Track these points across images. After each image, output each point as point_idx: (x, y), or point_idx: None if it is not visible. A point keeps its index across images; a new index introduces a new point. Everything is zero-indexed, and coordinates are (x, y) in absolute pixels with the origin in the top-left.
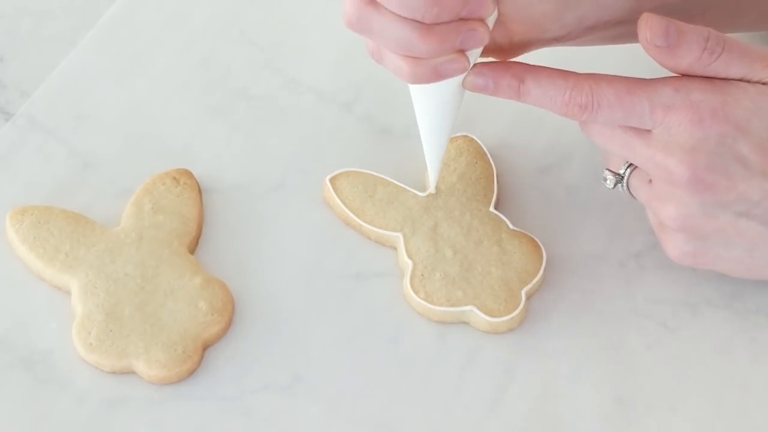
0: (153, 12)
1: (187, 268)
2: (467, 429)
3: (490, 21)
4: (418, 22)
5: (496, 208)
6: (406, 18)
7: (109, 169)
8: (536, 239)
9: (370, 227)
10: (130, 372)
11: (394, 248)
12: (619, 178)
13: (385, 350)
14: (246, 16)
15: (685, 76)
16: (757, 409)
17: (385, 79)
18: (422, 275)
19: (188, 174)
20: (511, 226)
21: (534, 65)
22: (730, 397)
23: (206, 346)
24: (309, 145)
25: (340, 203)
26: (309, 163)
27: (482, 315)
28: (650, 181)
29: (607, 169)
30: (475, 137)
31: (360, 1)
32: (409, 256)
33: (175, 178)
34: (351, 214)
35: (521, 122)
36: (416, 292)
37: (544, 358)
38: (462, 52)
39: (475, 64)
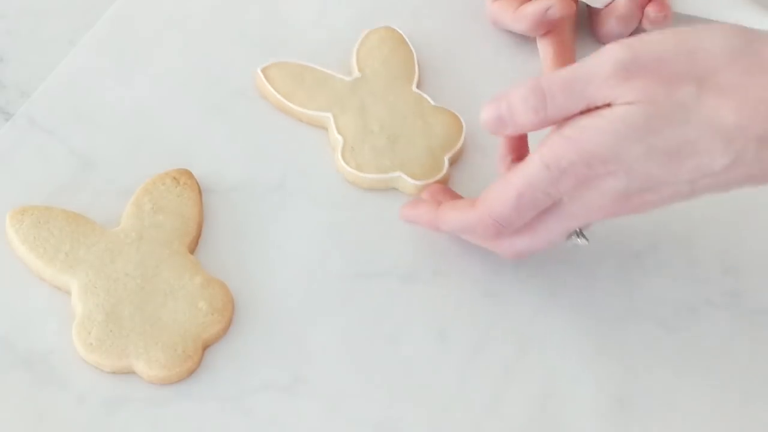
0: (153, 12)
1: (187, 268)
2: (467, 429)
3: None
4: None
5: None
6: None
7: (109, 169)
8: (456, 113)
9: (302, 110)
10: (130, 372)
11: (325, 128)
12: (577, 233)
13: (385, 350)
14: (246, 16)
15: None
16: (757, 409)
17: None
18: (352, 148)
19: (188, 174)
20: (432, 103)
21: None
22: (730, 397)
23: (206, 346)
24: (310, 145)
25: (272, 91)
26: (309, 163)
27: (408, 179)
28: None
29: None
30: (396, 27)
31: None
32: (339, 133)
33: (175, 178)
34: (283, 100)
35: None
36: (347, 163)
37: (544, 358)
38: None
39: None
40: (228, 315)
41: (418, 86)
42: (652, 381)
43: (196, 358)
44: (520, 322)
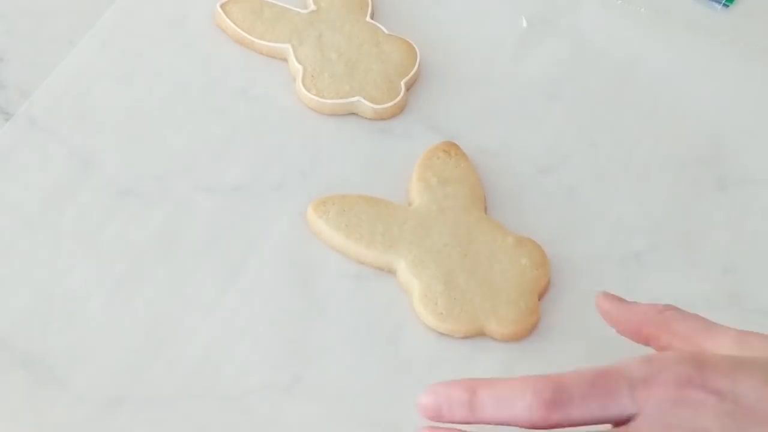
0: (153, 12)
1: (496, 230)
2: (467, 429)
3: None
4: None
5: None
6: None
7: (109, 169)
8: (410, 41)
9: (261, 42)
10: (481, 335)
11: (285, 59)
12: None
13: (385, 350)
14: None
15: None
16: None
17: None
18: (312, 76)
19: (455, 145)
20: (386, 32)
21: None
22: None
23: (540, 299)
24: (309, 146)
25: (232, 24)
26: (309, 163)
27: (368, 103)
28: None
29: None
30: None
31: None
32: (299, 62)
33: (445, 151)
34: (243, 33)
35: (521, 122)
36: (308, 90)
37: (544, 358)
38: None
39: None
40: (548, 269)
41: (372, 17)
42: None
43: (538, 310)
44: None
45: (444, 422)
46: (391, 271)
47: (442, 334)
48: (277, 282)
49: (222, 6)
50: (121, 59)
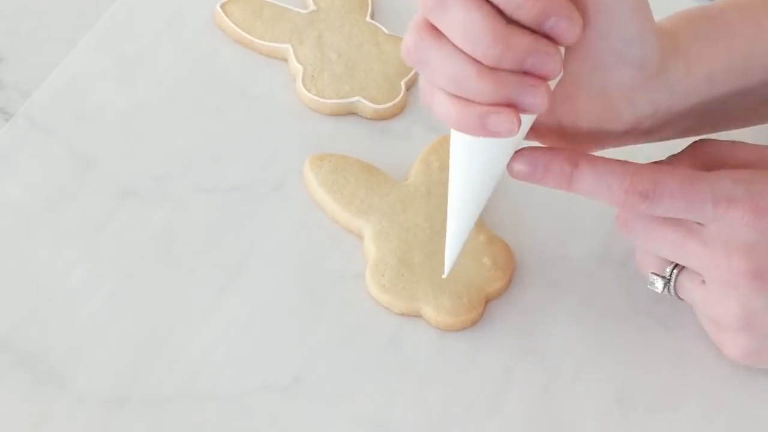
0: (153, 12)
1: (474, 226)
2: (467, 429)
3: (552, 83)
4: (477, 61)
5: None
6: (465, 54)
7: (109, 169)
8: None
9: (261, 42)
10: (417, 315)
11: (285, 59)
12: (666, 281)
13: (385, 350)
14: None
15: (742, 168)
16: (757, 409)
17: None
18: (312, 76)
19: None
20: (386, 32)
21: (587, 153)
22: (730, 396)
23: (488, 300)
24: (309, 145)
25: (232, 24)
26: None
27: (368, 103)
28: (703, 282)
29: (653, 273)
30: None
31: (422, 30)
32: (299, 62)
33: None
34: (243, 33)
35: None
36: (309, 90)
37: (544, 358)
38: (514, 109)
39: (522, 149)
40: (509, 272)
41: (372, 17)
42: (652, 381)
43: (480, 309)
44: (519, 322)
45: (532, 183)
46: (360, 237)
47: (381, 305)
48: (277, 282)
49: (222, 6)
50: (121, 59)
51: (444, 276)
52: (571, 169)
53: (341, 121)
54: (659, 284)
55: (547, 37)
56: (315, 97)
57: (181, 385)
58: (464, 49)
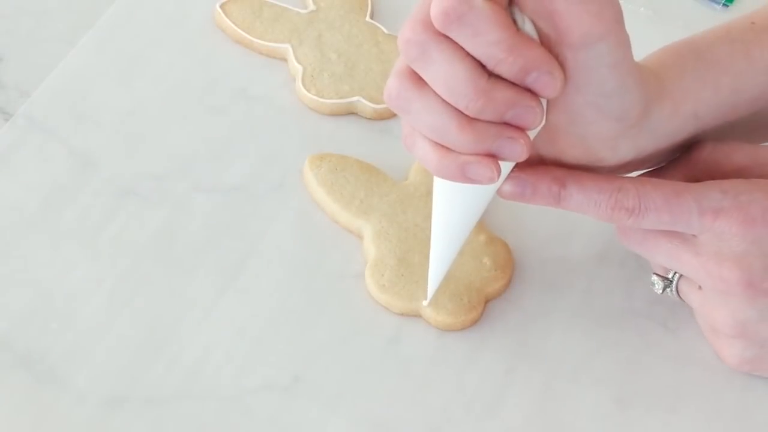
0: (153, 12)
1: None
2: (467, 429)
3: (533, 133)
4: (459, 111)
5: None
6: (448, 104)
7: (109, 169)
8: None
9: (261, 42)
10: (417, 315)
11: (285, 59)
12: (668, 282)
13: (385, 350)
14: None
15: (738, 171)
16: (757, 409)
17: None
18: (312, 76)
19: None
20: (386, 31)
21: (573, 170)
22: (730, 397)
23: (488, 300)
24: (309, 145)
25: (231, 24)
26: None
27: (368, 103)
28: (700, 287)
29: (655, 274)
30: None
31: (405, 77)
32: (299, 62)
33: None
34: (243, 33)
35: None
36: (308, 90)
37: (544, 358)
38: (494, 158)
39: (510, 171)
40: (509, 272)
41: (372, 17)
42: (652, 381)
43: (480, 309)
44: (519, 322)
45: (522, 202)
46: (359, 236)
47: (381, 305)
48: (277, 282)
49: (222, 6)
50: (121, 59)
51: (425, 303)
52: (559, 188)
53: (341, 121)
54: (659, 286)
55: (528, 89)
56: (315, 97)
57: (181, 385)
58: (447, 100)
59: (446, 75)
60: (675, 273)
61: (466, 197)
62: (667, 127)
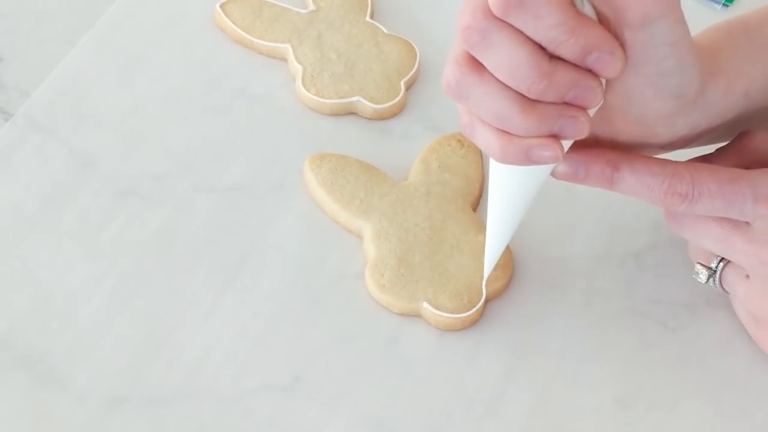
0: (153, 12)
1: (472, 226)
2: (467, 429)
3: (592, 111)
4: (520, 95)
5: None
6: (509, 89)
7: (109, 169)
8: (410, 41)
9: (261, 42)
10: (417, 315)
11: (285, 59)
12: (712, 271)
13: (385, 350)
14: None
15: None
16: (757, 409)
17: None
18: (312, 76)
19: None
20: (385, 31)
21: (627, 153)
22: (730, 397)
23: (488, 300)
24: (309, 145)
25: (231, 24)
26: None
27: (368, 103)
28: (747, 276)
29: (699, 263)
30: None
31: (464, 64)
32: (299, 62)
33: (459, 140)
34: (243, 33)
35: None
36: (308, 90)
37: (544, 358)
38: (557, 138)
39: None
40: (509, 272)
41: (372, 17)
42: (652, 381)
43: (480, 309)
44: (520, 322)
45: (575, 183)
46: (359, 236)
47: (381, 305)
48: (277, 282)
49: (222, 6)
50: (121, 59)
51: (484, 282)
52: (612, 171)
53: (341, 121)
54: (704, 275)
55: (588, 70)
56: (315, 97)
57: (181, 385)
58: (509, 84)
59: (508, 60)
60: (719, 263)
61: (523, 178)
62: (720, 105)
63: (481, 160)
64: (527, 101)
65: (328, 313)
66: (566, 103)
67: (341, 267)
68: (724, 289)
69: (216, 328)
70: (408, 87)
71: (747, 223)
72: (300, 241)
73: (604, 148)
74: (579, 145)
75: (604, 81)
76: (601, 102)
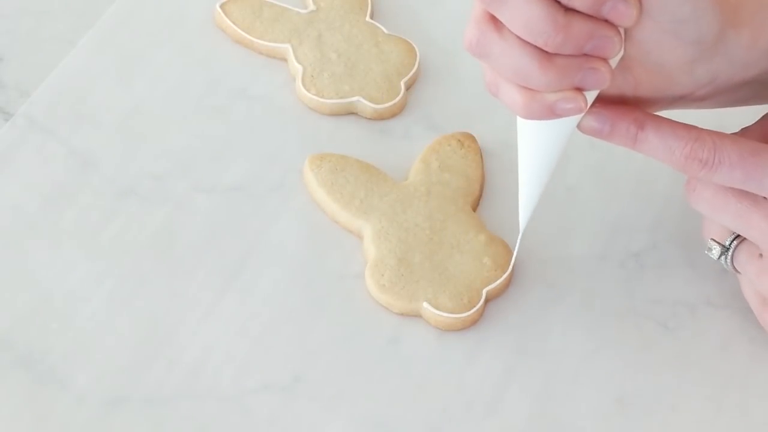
0: (153, 12)
1: (472, 225)
2: (467, 429)
3: (614, 62)
4: (539, 50)
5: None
6: (527, 44)
7: (109, 169)
8: (410, 41)
9: (261, 42)
10: (417, 315)
11: (285, 59)
12: (725, 249)
13: (385, 350)
14: None
15: None
16: (757, 409)
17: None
18: (312, 76)
19: (472, 138)
20: (385, 31)
21: (653, 115)
22: (730, 396)
23: (489, 300)
24: (309, 145)
25: (231, 24)
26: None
27: (368, 103)
28: (761, 255)
29: (713, 240)
30: None
31: (483, 22)
32: (299, 62)
33: (459, 141)
34: (243, 33)
35: None
36: (308, 90)
37: (544, 358)
38: (580, 90)
39: (591, 106)
40: (509, 272)
41: (372, 17)
42: (652, 381)
43: (480, 309)
44: (520, 322)
45: (600, 139)
46: (359, 236)
47: (381, 305)
48: (277, 282)
49: (222, 6)
50: (121, 59)
51: (518, 240)
52: (637, 130)
53: (341, 121)
54: (716, 251)
55: (605, 20)
56: (315, 97)
57: (181, 385)
58: (526, 39)
59: (523, 14)
60: (733, 240)
61: (551, 133)
62: (744, 58)
63: (481, 160)
64: (546, 55)
65: (328, 313)
66: (586, 55)
67: (341, 267)
68: (735, 268)
69: (216, 328)
70: (408, 87)
71: (766, 199)
72: (300, 241)
73: (631, 107)
74: (603, 102)
75: (622, 31)
76: (622, 52)
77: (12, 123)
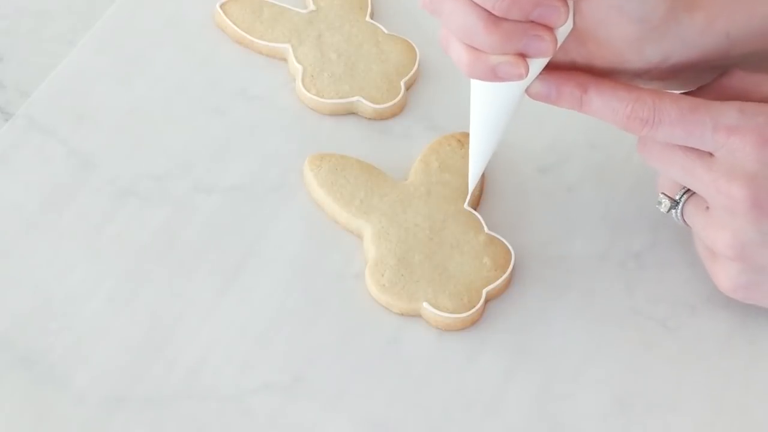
0: (153, 12)
1: (472, 226)
2: (467, 429)
3: (561, 34)
4: (487, 12)
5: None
6: (476, 6)
7: (109, 169)
8: (410, 41)
9: (261, 42)
10: (417, 315)
11: (285, 59)
12: (674, 203)
13: (385, 350)
14: None
15: (751, 100)
16: (757, 409)
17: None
18: (312, 76)
19: None
20: (385, 31)
21: (598, 77)
22: (730, 397)
23: (488, 300)
24: (309, 145)
25: (231, 24)
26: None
27: (368, 103)
28: (707, 208)
29: (663, 193)
30: None
31: None
32: (299, 62)
33: (459, 140)
34: (243, 33)
35: (521, 122)
36: (308, 90)
37: (543, 358)
38: (523, 57)
39: (542, 72)
40: (509, 272)
41: (372, 17)
42: (652, 381)
43: (480, 309)
44: (520, 322)
45: (549, 104)
46: (359, 236)
47: (381, 305)
48: (277, 282)
49: (222, 6)
50: (120, 59)
51: (466, 204)
52: (581, 93)
53: (341, 121)
54: (666, 205)
55: None
56: (315, 97)
57: (181, 385)
58: (476, 1)
59: None
60: (683, 195)
61: (498, 95)
62: (698, 40)
63: None
64: (492, 18)
65: (328, 313)
66: (533, 23)
67: (341, 267)
68: (685, 222)
69: (216, 328)
70: (408, 87)
71: (710, 153)
72: (300, 241)
73: (576, 72)
74: (555, 69)
75: (571, 3)
76: (568, 23)
77: (12, 123)
